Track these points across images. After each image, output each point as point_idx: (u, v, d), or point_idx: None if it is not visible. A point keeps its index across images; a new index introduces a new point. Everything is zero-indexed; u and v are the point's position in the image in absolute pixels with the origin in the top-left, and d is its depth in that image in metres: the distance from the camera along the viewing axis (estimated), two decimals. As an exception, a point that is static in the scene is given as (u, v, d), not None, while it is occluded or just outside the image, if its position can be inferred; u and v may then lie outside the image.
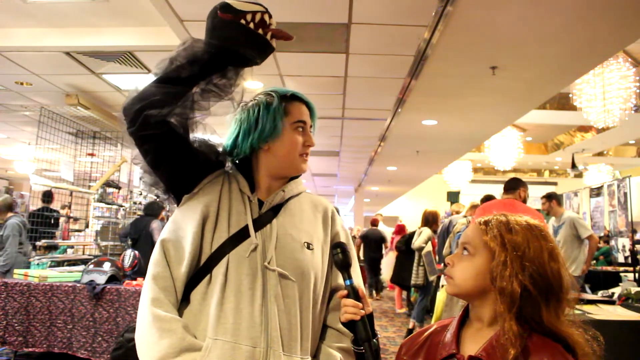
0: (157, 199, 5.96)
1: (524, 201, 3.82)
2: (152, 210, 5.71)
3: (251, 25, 1.21)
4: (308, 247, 1.26)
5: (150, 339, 1.14)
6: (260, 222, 1.26)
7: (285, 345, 1.17)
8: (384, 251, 9.66)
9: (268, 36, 1.24)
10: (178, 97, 1.22)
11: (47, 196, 6.48)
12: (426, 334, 1.16)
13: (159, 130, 1.20)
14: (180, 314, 1.21)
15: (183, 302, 1.23)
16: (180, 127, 1.25)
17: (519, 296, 0.97)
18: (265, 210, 1.28)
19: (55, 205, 6.81)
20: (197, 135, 1.30)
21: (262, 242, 1.24)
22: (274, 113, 1.27)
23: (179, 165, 1.27)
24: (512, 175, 16.44)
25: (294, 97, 1.32)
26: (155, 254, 1.24)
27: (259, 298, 1.18)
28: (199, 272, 1.23)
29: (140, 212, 6.27)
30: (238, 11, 1.20)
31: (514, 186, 3.86)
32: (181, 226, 1.25)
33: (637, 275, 5.15)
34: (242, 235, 1.23)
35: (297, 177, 1.38)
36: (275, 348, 1.16)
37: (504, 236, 1.02)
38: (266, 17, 1.23)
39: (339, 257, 1.18)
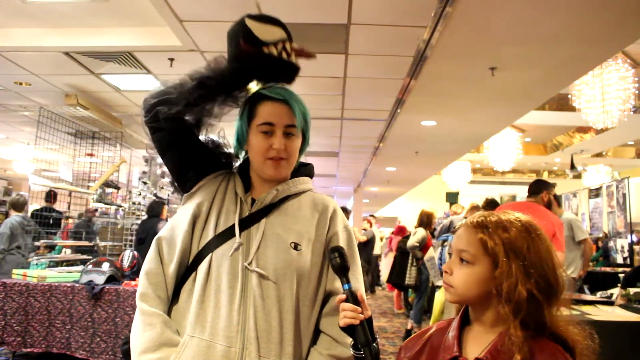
0: (156, 199, 5.97)
1: (549, 204, 3.78)
2: (154, 211, 5.71)
3: (274, 51, 1.20)
4: (295, 248, 1.23)
5: (136, 332, 1.19)
6: (248, 222, 1.26)
7: (262, 347, 1.16)
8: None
9: (292, 57, 1.23)
10: (193, 105, 1.23)
11: (49, 196, 6.48)
12: (426, 336, 1.15)
13: (167, 125, 1.25)
14: (170, 310, 1.24)
15: (174, 299, 1.26)
16: (193, 124, 1.28)
17: (525, 303, 0.96)
18: (256, 210, 1.27)
19: (62, 206, 6.82)
20: (209, 135, 1.34)
21: (246, 242, 1.23)
22: (242, 116, 1.29)
23: (183, 156, 1.31)
24: (512, 176, 16.57)
25: (264, 97, 1.28)
26: (151, 251, 1.28)
27: (238, 298, 1.18)
28: (188, 269, 1.26)
29: (138, 212, 6.27)
30: (261, 43, 1.19)
31: (536, 190, 3.81)
32: (177, 224, 1.29)
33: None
34: (227, 234, 1.24)
35: (302, 175, 1.36)
36: (250, 349, 1.15)
37: (504, 241, 1.00)
38: (288, 45, 1.22)
39: (336, 262, 1.15)
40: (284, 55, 1.21)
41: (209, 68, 1.23)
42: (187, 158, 1.31)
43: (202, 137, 1.33)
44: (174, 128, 1.26)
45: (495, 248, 1.00)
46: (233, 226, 1.25)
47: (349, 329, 1.11)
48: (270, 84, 1.30)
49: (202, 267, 1.22)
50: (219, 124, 1.32)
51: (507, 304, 0.97)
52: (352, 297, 1.12)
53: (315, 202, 1.34)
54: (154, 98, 1.24)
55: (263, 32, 1.19)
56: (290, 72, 1.26)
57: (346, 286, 1.13)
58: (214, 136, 1.34)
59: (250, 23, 1.19)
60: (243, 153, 1.38)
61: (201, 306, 1.19)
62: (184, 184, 1.33)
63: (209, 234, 1.25)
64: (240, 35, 1.19)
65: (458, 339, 1.06)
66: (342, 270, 1.15)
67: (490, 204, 5.00)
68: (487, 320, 1.03)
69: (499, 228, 1.02)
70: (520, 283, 0.97)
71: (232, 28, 1.22)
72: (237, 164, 1.40)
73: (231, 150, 1.38)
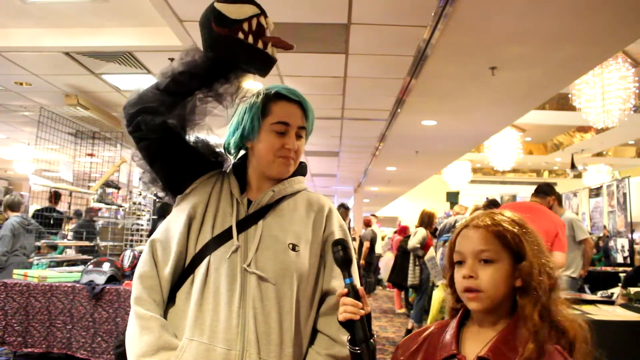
0: (157, 200, 5.96)
1: (550, 208, 3.77)
2: (163, 212, 5.70)
3: (250, 38, 1.19)
4: (293, 249, 1.23)
5: (132, 336, 1.18)
6: (246, 224, 1.25)
7: (262, 349, 1.15)
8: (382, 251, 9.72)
9: (269, 47, 1.22)
10: (174, 105, 1.22)
11: (52, 196, 6.48)
12: (424, 335, 1.15)
13: (152, 134, 1.22)
14: (166, 313, 1.22)
15: (170, 302, 1.24)
16: (178, 126, 1.26)
17: (548, 291, 1.00)
18: (253, 211, 1.26)
19: (63, 206, 6.82)
20: (197, 135, 1.31)
21: (244, 244, 1.22)
22: (253, 113, 1.26)
23: (173, 164, 1.29)
24: (512, 175, 16.56)
25: (281, 96, 1.27)
26: (144, 253, 1.26)
27: (237, 300, 1.17)
28: (184, 272, 1.24)
29: (139, 212, 6.27)
30: (233, 22, 1.18)
31: (546, 192, 3.80)
32: (171, 226, 1.27)
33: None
34: (225, 236, 1.23)
35: (297, 174, 1.35)
36: (250, 352, 1.14)
37: (521, 234, 1.03)
38: (262, 20, 1.20)
39: (339, 255, 1.14)
40: (260, 36, 1.20)
41: (180, 61, 1.21)
42: (178, 164, 1.29)
43: (190, 137, 1.31)
44: (160, 136, 1.23)
45: (516, 240, 1.02)
46: (230, 228, 1.24)
47: (347, 324, 1.10)
48: (282, 86, 1.29)
49: (200, 270, 1.21)
50: (206, 122, 1.30)
51: (530, 294, 0.99)
52: (354, 292, 1.11)
53: (310, 201, 1.33)
54: (133, 107, 1.22)
55: (233, 11, 1.18)
56: (264, 62, 1.24)
57: (348, 280, 1.12)
58: (202, 135, 1.32)
59: (219, 5, 1.19)
60: (235, 151, 1.35)
61: (199, 309, 1.18)
62: (176, 188, 1.31)
63: (206, 236, 1.23)
64: (211, 18, 1.19)
65: (456, 337, 1.06)
66: (345, 264, 1.14)
67: (491, 204, 5.00)
68: (489, 320, 1.04)
69: (510, 223, 1.04)
70: (542, 271, 1.00)
71: (202, 15, 1.22)
72: (229, 162, 1.38)
73: (220, 149, 1.36)
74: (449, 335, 1.08)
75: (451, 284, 1.11)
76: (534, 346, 0.95)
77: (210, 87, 1.24)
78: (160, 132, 1.22)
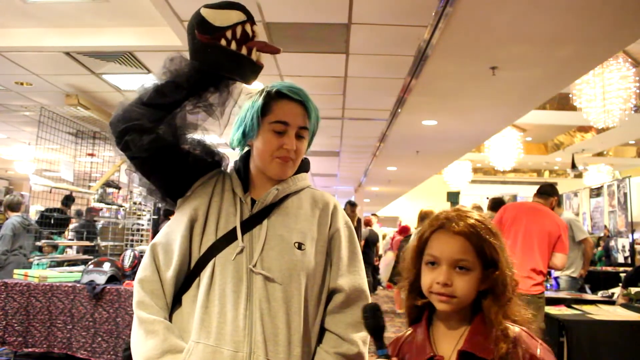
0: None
1: (552, 209, 3.78)
2: (168, 212, 5.69)
3: (233, 44, 1.15)
4: (299, 248, 1.21)
5: (137, 341, 1.16)
6: (250, 223, 1.23)
7: (269, 350, 1.14)
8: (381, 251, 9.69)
9: (253, 53, 1.18)
10: (161, 120, 1.20)
11: (67, 199, 6.47)
12: (399, 344, 1.17)
13: (143, 153, 1.19)
14: (172, 316, 1.21)
15: (177, 305, 1.22)
16: (170, 135, 1.22)
17: (514, 293, 1.06)
18: (257, 211, 1.24)
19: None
20: (192, 136, 1.29)
21: (249, 244, 1.20)
22: (254, 111, 1.23)
23: (168, 175, 1.26)
24: (512, 175, 16.55)
25: (282, 95, 1.24)
26: (145, 257, 1.24)
27: (244, 301, 1.15)
28: (189, 275, 1.22)
29: (139, 212, 6.27)
30: (216, 29, 1.15)
31: (549, 193, 3.81)
32: (173, 229, 1.25)
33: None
34: (230, 237, 1.21)
35: (300, 171, 1.33)
36: (258, 353, 1.13)
37: (495, 245, 1.06)
38: (247, 27, 1.17)
39: (368, 323, 1.12)
40: (244, 43, 1.16)
41: (164, 70, 1.18)
42: (174, 173, 1.26)
43: (185, 141, 1.28)
44: (151, 154, 1.20)
45: (492, 251, 1.05)
46: (235, 229, 1.22)
47: None
48: (287, 84, 1.27)
49: (206, 272, 1.19)
50: (201, 124, 1.28)
51: (499, 299, 1.04)
52: None
53: (315, 199, 1.31)
54: (118, 125, 1.19)
55: (217, 18, 1.15)
56: (249, 69, 1.21)
57: (381, 352, 1.07)
58: (198, 136, 1.29)
59: (204, 11, 1.16)
60: (240, 148, 1.33)
61: (205, 311, 1.16)
62: (176, 196, 1.29)
63: (210, 238, 1.22)
64: (195, 25, 1.16)
65: (428, 339, 1.08)
66: (376, 332, 1.10)
67: (496, 203, 5.00)
68: (456, 318, 1.07)
69: (487, 232, 1.06)
70: (510, 282, 1.06)
71: (189, 21, 1.19)
72: (228, 161, 1.36)
73: (217, 149, 1.34)
74: (420, 338, 1.10)
75: (414, 281, 1.12)
76: (506, 345, 1.00)
77: (199, 97, 1.22)
78: (151, 150, 1.19)
